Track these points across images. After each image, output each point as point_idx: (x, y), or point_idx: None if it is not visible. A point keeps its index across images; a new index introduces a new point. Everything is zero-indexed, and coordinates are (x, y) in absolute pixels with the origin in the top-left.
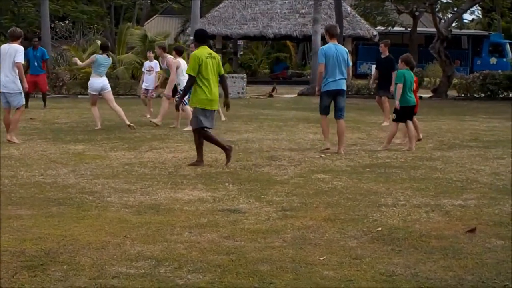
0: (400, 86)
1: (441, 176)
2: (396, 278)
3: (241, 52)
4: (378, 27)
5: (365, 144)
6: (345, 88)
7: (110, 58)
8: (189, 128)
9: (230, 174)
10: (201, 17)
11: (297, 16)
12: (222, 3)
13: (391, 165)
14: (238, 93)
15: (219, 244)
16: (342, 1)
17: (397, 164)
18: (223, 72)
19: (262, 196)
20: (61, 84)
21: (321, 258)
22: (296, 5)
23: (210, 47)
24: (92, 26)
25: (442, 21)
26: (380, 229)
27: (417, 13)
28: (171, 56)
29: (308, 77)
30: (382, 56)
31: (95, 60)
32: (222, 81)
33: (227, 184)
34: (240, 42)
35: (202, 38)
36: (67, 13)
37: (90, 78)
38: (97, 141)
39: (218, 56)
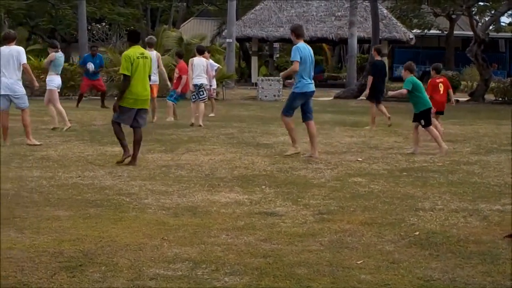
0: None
1: (479, 181)
2: (434, 283)
3: (277, 55)
4: (414, 30)
5: (402, 148)
6: None
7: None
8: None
9: (266, 177)
10: (237, 19)
11: (333, 18)
12: (258, 6)
13: (428, 169)
14: (274, 95)
15: (256, 247)
16: (379, 4)
17: (434, 168)
18: (150, 72)
19: (299, 199)
20: None
21: (358, 262)
22: (332, 7)
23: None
24: (128, 28)
25: (479, 24)
26: (417, 233)
27: (454, 16)
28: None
29: (344, 80)
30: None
31: (54, 59)
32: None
33: (263, 187)
34: (276, 45)
35: (134, 38)
36: (104, 15)
37: (50, 76)
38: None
39: (150, 56)
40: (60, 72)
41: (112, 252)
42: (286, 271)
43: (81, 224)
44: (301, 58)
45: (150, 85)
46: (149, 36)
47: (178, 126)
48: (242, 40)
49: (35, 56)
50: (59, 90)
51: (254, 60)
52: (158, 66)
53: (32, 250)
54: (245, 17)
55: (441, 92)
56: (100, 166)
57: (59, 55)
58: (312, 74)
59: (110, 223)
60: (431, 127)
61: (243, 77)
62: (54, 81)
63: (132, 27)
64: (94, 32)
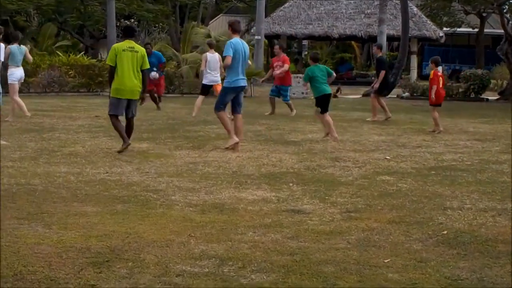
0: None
1: (508, 180)
2: (462, 283)
3: (306, 52)
4: (444, 28)
5: (430, 147)
6: None
7: (23, 47)
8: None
9: (294, 174)
10: (266, 16)
11: (362, 16)
12: (287, 3)
13: (456, 168)
14: (303, 93)
15: (283, 244)
16: (409, 2)
17: (463, 167)
18: (146, 67)
19: (327, 197)
20: None
21: (386, 261)
22: (361, 5)
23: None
24: (157, 25)
25: (510, 22)
26: (445, 232)
27: (484, 14)
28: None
29: (373, 78)
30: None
31: (10, 52)
32: (142, 75)
33: (291, 184)
34: (305, 42)
35: (127, 32)
36: (133, 11)
37: (10, 69)
38: (161, 139)
39: (143, 50)
40: (20, 64)
41: (139, 248)
42: (313, 269)
43: (108, 220)
44: (233, 53)
45: (213, 85)
46: (208, 39)
47: (206, 123)
48: (271, 37)
49: (63, 52)
50: (21, 82)
51: None
52: (220, 67)
53: (59, 245)
54: (274, 14)
55: (441, 85)
56: (128, 162)
57: (14, 48)
58: (244, 68)
59: (137, 219)
60: (326, 114)
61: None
62: (14, 74)
63: (161, 24)
64: (122, 28)
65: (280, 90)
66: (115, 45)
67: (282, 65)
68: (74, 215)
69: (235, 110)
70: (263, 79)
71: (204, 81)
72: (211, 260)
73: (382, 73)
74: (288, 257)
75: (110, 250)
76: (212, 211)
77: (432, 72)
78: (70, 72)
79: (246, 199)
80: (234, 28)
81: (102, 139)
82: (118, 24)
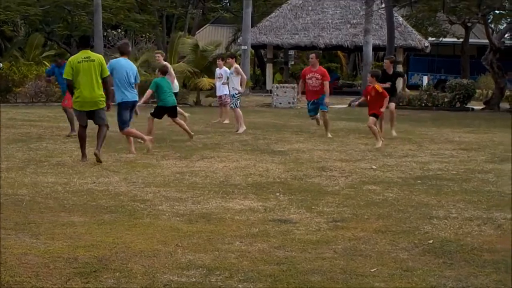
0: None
1: (494, 189)
2: None
3: (292, 62)
4: (429, 38)
5: (416, 156)
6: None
7: None
8: (242, 130)
9: (281, 184)
10: (252, 26)
11: (348, 26)
12: (274, 13)
13: (442, 177)
14: (289, 103)
15: (270, 254)
16: (394, 12)
17: (449, 176)
18: (106, 74)
19: (313, 207)
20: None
21: (372, 270)
22: (347, 15)
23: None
24: (144, 35)
25: (494, 32)
26: (431, 241)
27: (469, 24)
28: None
29: (359, 87)
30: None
31: None
32: (103, 82)
33: (278, 194)
34: (291, 52)
35: (82, 42)
36: (120, 21)
37: None
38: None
39: (100, 58)
40: None
41: (126, 258)
42: (300, 279)
43: (95, 230)
44: (112, 71)
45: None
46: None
47: (193, 132)
48: (257, 47)
49: (50, 62)
50: None
51: (269, 67)
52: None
53: (47, 255)
54: (260, 24)
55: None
56: (115, 172)
57: None
58: (132, 83)
59: (124, 229)
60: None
61: (258, 84)
62: None
63: (148, 34)
64: (109, 38)
65: (318, 103)
66: (70, 58)
67: (319, 77)
68: (62, 225)
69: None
70: (298, 96)
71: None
72: (198, 269)
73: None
74: (275, 266)
75: (97, 260)
76: (199, 221)
77: (376, 86)
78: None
79: (233, 208)
80: (122, 51)
81: (89, 149)
82: (105, 34)
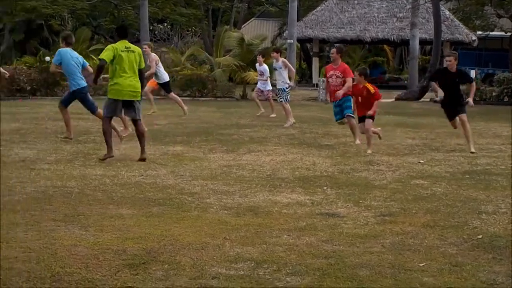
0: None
1: None
2: (497, 287)
3: None
4: (477, 32)
5: (464, 151)
6: None
7: None
8: (288, 124)
9: (328, 178)
10: (298, 20)
11: (394, 20)
12: (319, 7)
13: (491, 172)
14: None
15: (317, 247)
16: (441, 5)
17: (497, 171)
18: (143, 66)
19: (361, 201)
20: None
21: (421, 265)
22: (393, 9)
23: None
24: (190, 29)
25: None
26: (480, 236)
27: None
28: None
29: (406, 81)
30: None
31: None
32: (139, 74)
33: (325, 188)
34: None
35: (121, 33)
36: (166, 15)
37: None
38: (195, 142)
39: (139, 50)
40: None
41: (175, 250)
42: (348, 273)
43: (144, 222)
44: (61, 62)
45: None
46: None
47: (240, 126)
48: (303, 41)
49: (97, 55)
50: None
51: (315, 61)
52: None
53: (96, 247)
54: (306, 18)
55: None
56: (162, 165)
57: None
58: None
59: (172, 222)
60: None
61: (304, 78)
62: None
63: (194, 28)
64: (156, 32)
65: (342, 105)
66: (114, 45)
67: (339, 75)
68: (110, 217)
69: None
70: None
71: None
72: (246, 262)
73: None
74: (323, 260)
75: (146, 252)
76: (246, 214)
77: (368, 85)
78: (104, 76)
79: (280, 202)
80: (67, 42)
81: (137, 143)
82: (151, 28)
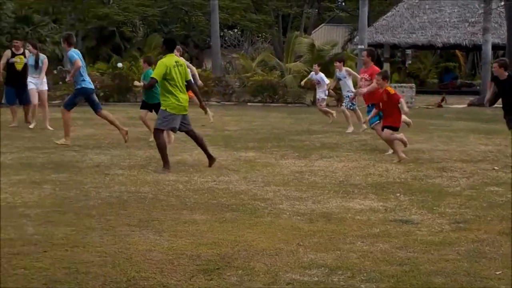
0: None
1: None
2: None
3: (409, 62)
4: None
5: None
6: None
7: None
8: (350, 129)
9: (401, 184)
10: (368, 26)
11: (466, 25)
12: (390, 12)
13: None
14: (407, 102)
15: (392, 254)
16: None
17: None
18: (189, 78)
19: (434, 208)
20: (230, 92)
21: (497, 273)
22: (465, 13)
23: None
24: (260, 35)
25: None
26: None
27: None
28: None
29: (478, 87)
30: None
31: None
32: (189, 86)
33: (398, 194)
34: (408, 51)
35: (170, 46)
36: (236, 21)
37: None
38: (267, 148)
39: (184, 63)
40: None
41: (249, 256)
42: (423, 280)
43: (217, 228)
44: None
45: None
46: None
47: (311, 132)
48: (373, 47)
49: None
50: None
51: (386, 67)
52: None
53: (170, 252)
54: (377, 23)
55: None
56: (235, 171)
57: None
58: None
59: (246, 228)
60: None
61: None
62: None
63: (264, 34)
64: (226, 38)
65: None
66: (165, 61)
67: (368, 78)
68: (184, 222)
69: (96, 109)
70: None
71: None
72: (320, 269)
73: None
74: (398, 267)
75: (220, 257)
76: (320, 220)
77: (388, 88)
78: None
79: (353, 208)
80: (69, 42)
81: (210, 148)
82: (221, 34)
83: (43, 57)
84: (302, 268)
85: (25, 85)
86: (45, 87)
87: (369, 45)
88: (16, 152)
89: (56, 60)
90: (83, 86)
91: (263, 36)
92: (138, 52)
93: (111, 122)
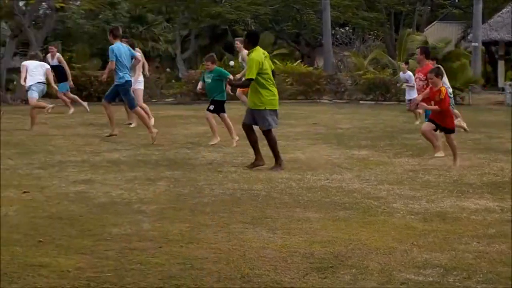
0: None
1: None
2: None
3: None
4: None
5: None
6: None
7: None
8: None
9: None
10: (482, 22)
11: None
12: (505, 8)
13: None
14: None
15: (509, 255)
16: None
17: None
18: (273, 67)
19: None
20: (342, 90)
21: None
22: None
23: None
24: (372, 33)
25: None
26: None
27: None
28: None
29: None
30: None
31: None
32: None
33: None
34: None
35: (255, 40)
36: (348, 19)
37: None
38: (380, 147)
39: (267, 54)
40: None
41: (362, 255)
42: None
43: (330, 226)
44: (116, 57)
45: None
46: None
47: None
48: (488, 44)
49: (280, 60)
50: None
51: (501, 64)
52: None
53: (284, 250)
54: (492, 20)
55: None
56: (348, 169)
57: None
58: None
59: (359, 226)
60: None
61: (489, 81)
62: None
63: (375, 32)
64: (337, 36)
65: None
66: (256, 57)
67: (422, 78)
68: (297, 220)
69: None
70: None
71: None
72: (435, 269)
73: None
74: None
75: (333, 256)
76: (434, 220)
77: (442, 88)
78: (287, 80)
79: (468, 208)
80: (114, 34)
81: (321, 146)
82: (333, 32)
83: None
84: (417, 268)
85: None
86: (139, 86)
87: (483, 43)
88: (131, 149)
89: (170, 59)
90: (127, 79)
91: (375, 34)
92: None
93: (110, 119)
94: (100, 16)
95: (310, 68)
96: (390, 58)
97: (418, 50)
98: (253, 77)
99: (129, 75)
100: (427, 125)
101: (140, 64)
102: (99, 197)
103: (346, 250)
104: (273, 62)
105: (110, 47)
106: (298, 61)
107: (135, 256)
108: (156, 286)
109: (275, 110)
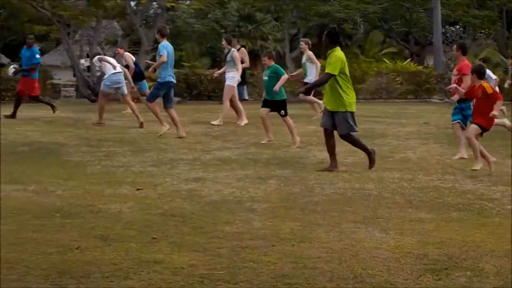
0: None
1: None
2: None
3: None
4: None
5: None
6: None
7: None
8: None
9: None
10: None
11: None
12: None
13: None
14: None
15: None
16: None
17: None
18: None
19: None
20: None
21: None
22: None
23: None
24: (483, 31)
25: None
26: None
27: None
28: None
29: None
30: None
31: None
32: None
33: None
34: None
35: (336, 39)
36: (458, 18)
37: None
38: (493, 147)
39: None
40: None
41: (477, 257)
42: None
43: (444, 227)
44: (167, 53)
45: None
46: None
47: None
48: None
49: (389, 59)
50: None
51: None
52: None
53: (397, 250)
54: None
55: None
56: (460, 169)
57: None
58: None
59: (473, 228)
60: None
61: None
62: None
63: (487, 30)
64: (447, 34)
65: (461, 108)
66: (340, 55)
67: (455, 74)
68: (410, 221)
69: (168, 105)
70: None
71: None
72: None
73: None
74: None
75: (447, 257)
76: None
77: (484, 84)
78: (397, 79)
79: None
80: (162, 33)
81: (432, 146)
82: (443, 31)
83: (232, 51)
84: None
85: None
86: (230, 82)
87: None
88: (241, 147)
89: (278, 58)
90: (167, 80)
91: (486, 32)
92: (358, 49)
93: (173, 122)
94: (209, 15)
95: (420, 67)
96: (502, 57)
97: (454, 46)
98: (335, 74)
99: (171, 75)
100: (473, 129)
101: (238, 61)
102: (211, 195)
103: (460, 252)
104: (382, 61)
105: (160, 44)
106: (408, 60)
107: (247, 254)
108: (269, 284)
109: (353, 113)
